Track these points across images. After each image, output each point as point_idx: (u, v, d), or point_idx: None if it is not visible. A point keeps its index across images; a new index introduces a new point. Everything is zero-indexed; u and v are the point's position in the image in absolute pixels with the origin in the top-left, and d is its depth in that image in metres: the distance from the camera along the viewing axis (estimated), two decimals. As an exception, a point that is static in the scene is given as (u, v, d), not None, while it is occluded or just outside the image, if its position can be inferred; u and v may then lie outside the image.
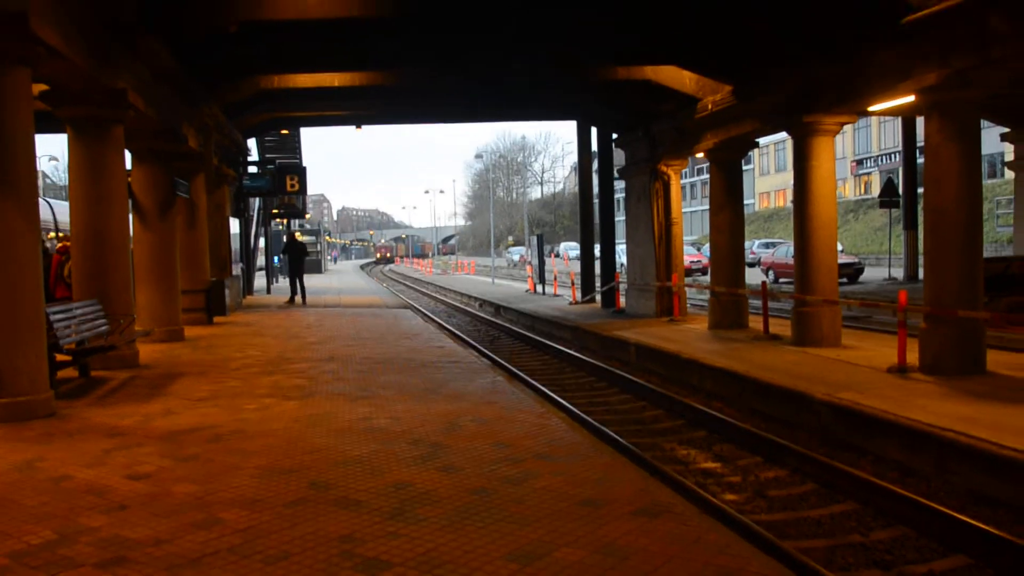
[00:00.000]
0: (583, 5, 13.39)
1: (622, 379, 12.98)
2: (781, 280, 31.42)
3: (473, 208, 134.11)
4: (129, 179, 13.69)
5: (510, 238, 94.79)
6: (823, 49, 12.15)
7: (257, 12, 12.44)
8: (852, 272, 30.02)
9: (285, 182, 25.66)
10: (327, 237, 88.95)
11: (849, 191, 61.85)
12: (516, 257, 71.22)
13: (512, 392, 9.63)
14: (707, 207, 17.73)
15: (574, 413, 10.47)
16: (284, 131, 28.59)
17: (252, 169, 26.32)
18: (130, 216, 13.56)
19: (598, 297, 23.74)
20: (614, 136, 22.13)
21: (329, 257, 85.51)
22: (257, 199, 30.96)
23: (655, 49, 14.69)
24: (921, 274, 12.42)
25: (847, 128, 14.23)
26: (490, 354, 16.07)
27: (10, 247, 8.09)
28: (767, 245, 43.87)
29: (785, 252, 32.13)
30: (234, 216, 26.73)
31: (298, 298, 25.21)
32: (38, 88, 10.07)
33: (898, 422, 7.99)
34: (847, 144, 59.93)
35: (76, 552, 4.54)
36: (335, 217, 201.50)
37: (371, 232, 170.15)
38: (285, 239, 29.93)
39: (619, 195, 44.33)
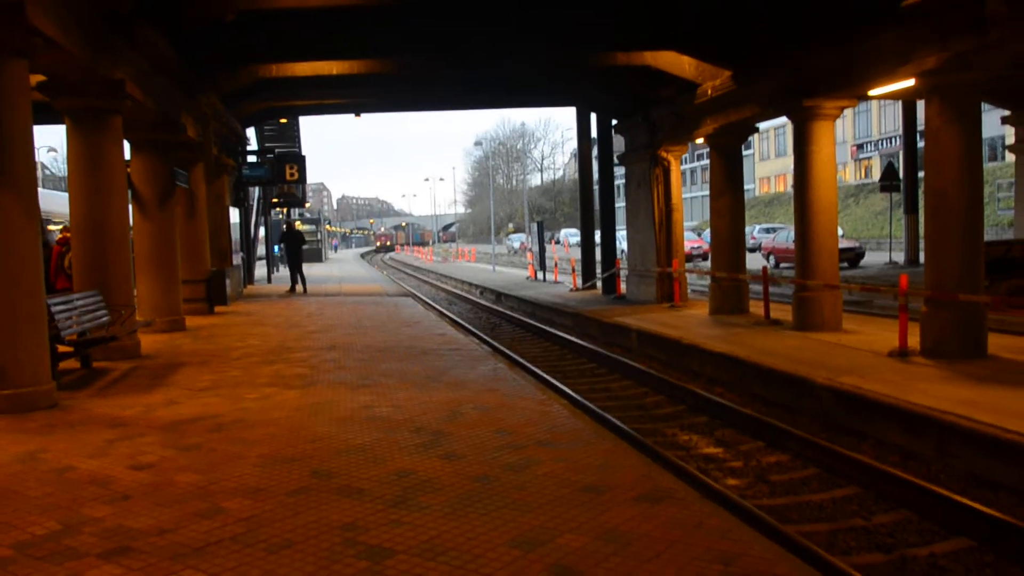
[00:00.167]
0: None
1: (623, 365, 12.99)
2: (782, 265, 31.41)
3: (473, 195, 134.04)
4: (128, 170, 13.67)
5: (510, 225, 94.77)
6: (823, 33, 12.10)
7: (255, 1, 12.40)
8: (853, 256, 30.00)
9: (284, 171, 25.59)
10: (327, 226, 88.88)
11: (849, 175, 61.75)
12: (516, 244, 71.18)
13: (513, 379, 9.64)
14: (707, 192, 17.71)
15: (576, 400, 10.48)
16: (283, 120, 28.52)
17: (251, 158, 26.24)
18: (130, 207, 13.54)
19: (599, 283, 23.74)
20: (614, 122, 22.08)
21: (330, 246, 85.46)
22: (257, 188, 30.92)
23: (655, 34, 14.64)
24: (922, 258, 12.42)
25: (847, 112, 14.20)
26: (491, 341, 16.08)
27: (10, 239, 8.08)
28: (768, 230, 43.82)
29: (786, 237, 32.11)
30: (234, 206, 26.71)
31: (299, 287, 25.23)
32: (35, 79, 10.04)
33: (899, 406, 8.00)
34: (847, 128, 59.81)
35: (80, 542, 4.55)
36: (335, 206, 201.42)
37: (371, 220, 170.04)
38: (284, 228, 29.89)
39: (619, 181, 44.32)
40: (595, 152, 25.50)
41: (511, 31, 14.81)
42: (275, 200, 33.44)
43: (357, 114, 25.93)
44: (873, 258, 32.76)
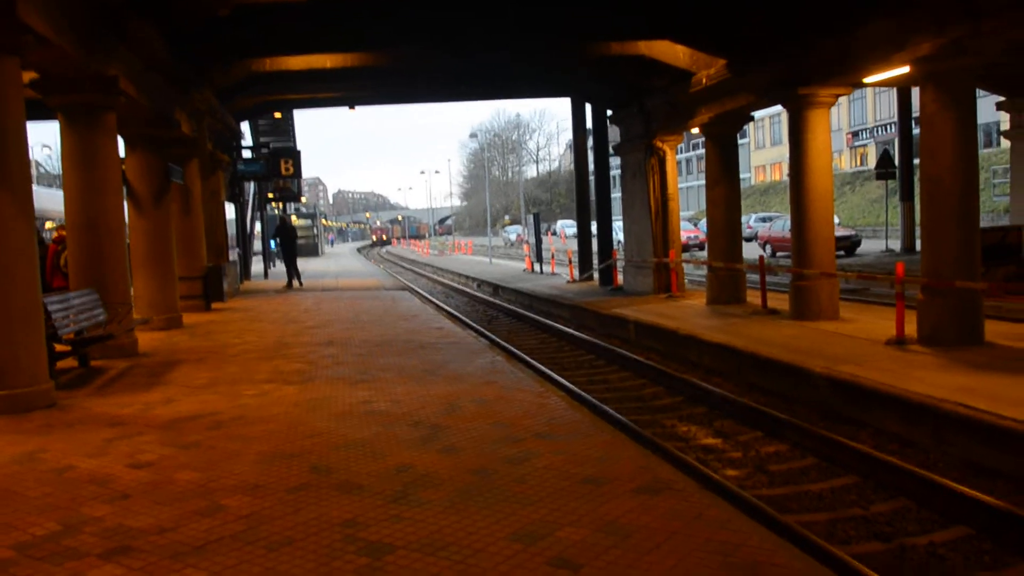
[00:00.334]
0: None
1: (621, 356, 13.00)
2: (779, 254, 31.44)
3: (469, 188, 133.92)
4: (123, 166, 13.62)
5: (507, 217, 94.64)
6: (817, 21, 12.08)
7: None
8: (849, 245, 30.05)
9: (280, 166, 25.56)
10: (323, 220, 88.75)
11: (845, 163, 61.76)
12: (513, 236, 71.14)
13: (511, 372, 9.65)
14: (703, 182, 17.72)
15: (574, 392, 10.49)
16: (277, 114, 28.43)
17: (246, 153, 26.22)
18: (125, 204, 13.51)
19: (596, 275, 23.74)
20: (609, 112, 22.04)
21: (326, 240, 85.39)
22: (252, 183, 30.86)
23: (649, 24, 14.60)
24: (918, 245, 12.42)
25: (842, 100, 14.20)
26: (488, 334, 16.08)
27: (4, 237, 8.06)
28: (764, 219, 43.86)
29: (782, 226, 32.13)
30: (229, 201, 26.64)
31: (296, 282, 25.23)
32: (28, 76, 9.99)
33: (897, 394, 8.02)
34: (842, 116, 59.78)
35: (80, 542, 4.55)
36: (331, 200, 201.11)
37: (367, 214, 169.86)
38: (279, 222, 29.88)
39: (615, 172, 44.22)
40: (591, 143, 25.47)
41: (506, 22, 14.76)
42: (271, 195, 33.42)
43: (351, 107, 25.89)
44: (869, 246, 32.81)
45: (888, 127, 54.10)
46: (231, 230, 27.32)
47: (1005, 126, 25.28)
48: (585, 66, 19.38)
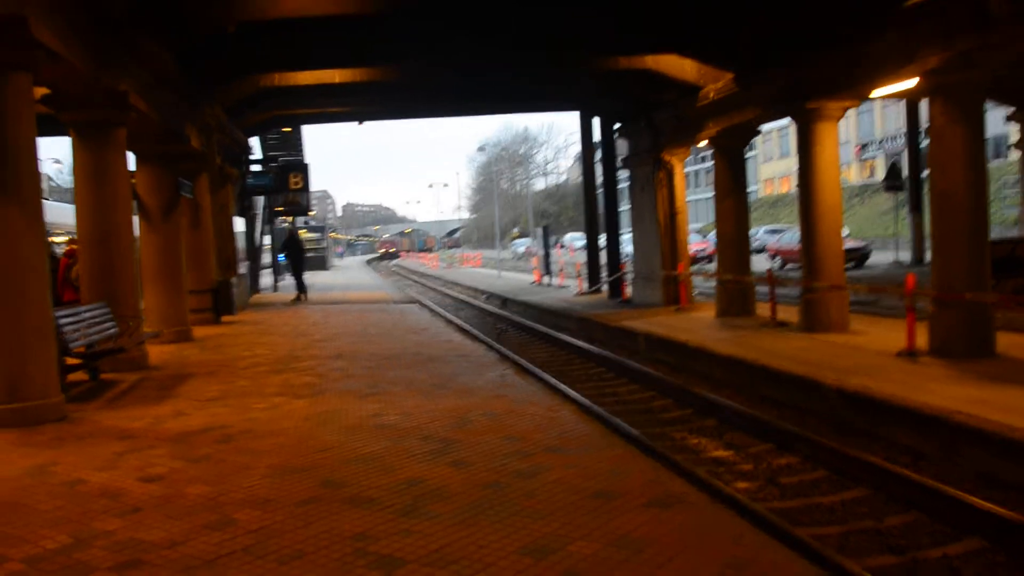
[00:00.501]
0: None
1: (631, 369, 12.97)
2: (788, 266, 31.37)
3: (477, 200, 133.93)
4: (133, 181, 13.70)
5: (515, 230, 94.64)
6: (825, 34, 12.10)
7: (256, 12, 12.45)
8: (859, 257, 29.95)
9: (288, 180, 25.68)
10: (332, 234, 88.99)
11: (853, 175, 61.64)
12: (521, 249, 71.11)
13: (521, 385, 9.63)
14: (711, 194, 17.69)
15: (584, 405, 10.47)
16: (286, 129, 28.58)
17: (255, 168, 26.33)
18: (135, 218, 13.57)
19: (604, 287, 23.73)
20: (617, 126, 22.08)
21: (335, 253, 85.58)
22: (261, 197, 30.98)
23: (656, 38, 14.64)
24: (927, 257, 12.37)
25: (850, 112, 14.17)
26: (498, 347, 16.07)
27: (16, 252, 8.10)
28: (773, 231, 43.75)
29: (791, 238, 32.06)
30: (238, 215, 26.75)
31: (303, 295, 25.27)
32: (40, 92, 10.07)
33: (908, 406, 7.98)
34: (851, 128, 59.70)
35: (92, 556, 4.55)
36: (340, 213, 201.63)
37: (375, 227, 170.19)
38: (287, 236, 29.94)
39: (623, 184, 44.26)
40: (599, 156, 25.49)
41: (513, 37, 14.82)
42: (279, 209, 33.51)
43: (360, 122, 25.99)
44: (879, 258, 32.70)
45: (897, 139, 54.00)
46: (240, 243, 27.42)
47: (1014, 138, 25.24)
48: (593, 80, 19.43)
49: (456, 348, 13.02)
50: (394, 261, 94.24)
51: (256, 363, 11.92)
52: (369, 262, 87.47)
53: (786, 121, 19.13)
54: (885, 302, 17.13)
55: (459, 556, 4.38)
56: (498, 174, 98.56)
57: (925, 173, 19.04)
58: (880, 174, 50.28)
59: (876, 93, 12.28)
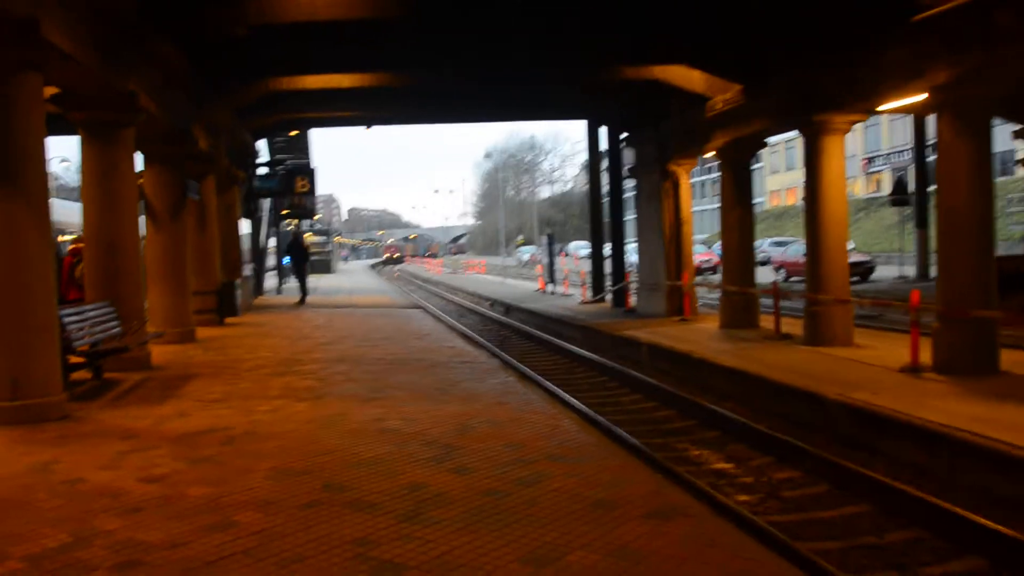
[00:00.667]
0: (591, 10, 13.37)
1: (633, 379, 12.96)
2: (792, 279, 31.33)
3: (483, 207, 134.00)
4: (140, 181, 13.74)
5: (520, 237, 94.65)
6: (833, 48, 12.11)
7: (266, 15, 12.48)
8: (864, 271, 29.90)
9: (295, 183, 25.76)
10: (337, 237, 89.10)
11: (860, 189, 61.61)
12: (526, 256, 71.16)
13: (523, 393, 9.63)
14: (717, 205, 17.75)
15: (586, 414, 10.46)
16: (293, 132, 28.65)
17: (262, 170, 26.39)
18: (142, 218, 13.61)
19: (608, 296, 23.72)
20: (623, 135, 22.11)
21: (339, 257, 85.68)
22: (267, 200, 31.03)
23: (665, 49, 14.68)
24: (933, 272, 12.37)
25: (857, 126, 14.16)
26: (501, 354, 16.07)
27: (23, 250, 8.13)
28: (778, 243, 43.71)
29: (796, 251, 32.04)
30: (244, 217, 26.80)
31: (308, 298, 25.34)
32: (49, 91, 10.11)
33: (912, 422, 7.96)
34: (857, 142, 59.71)
35: (92, 555, 4.56)
36: (345, 217, 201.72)
37: (380, 232, 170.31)
38: (291, 239, 29.93)
39: (629, 194, 44.28)
40: (605, 165, 25.53)
41: (522, 46, 14.86)
42: (285, 212, 33.56)
43: (368, 126, 26.06)
44: (884, 272, 32.65)
45: (903, 153, 54.00)
46: (245, 246, 27.48)
47: (1021, 154, 25.19)
48: (600, 90, 19.46)
49: (459, 354, 13.02)
50: (398, 266, 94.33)
51: (259, 365, 11.93)
52: (373, 266, 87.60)
53: (793, 133, 19.14)
54: (890, 317, 17.10)
55: (460, 563, 4.37)
56: (504, 181, 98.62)
57: (932, 188, 19.02)
58: (886, 188, 50.26)
59: (884, 107, 12.28)
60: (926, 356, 10.42)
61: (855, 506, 7.09)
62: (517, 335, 20.69)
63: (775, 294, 15.20)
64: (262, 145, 28.82)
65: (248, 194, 25.70)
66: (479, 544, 4.64)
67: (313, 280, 26.40)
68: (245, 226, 27.91)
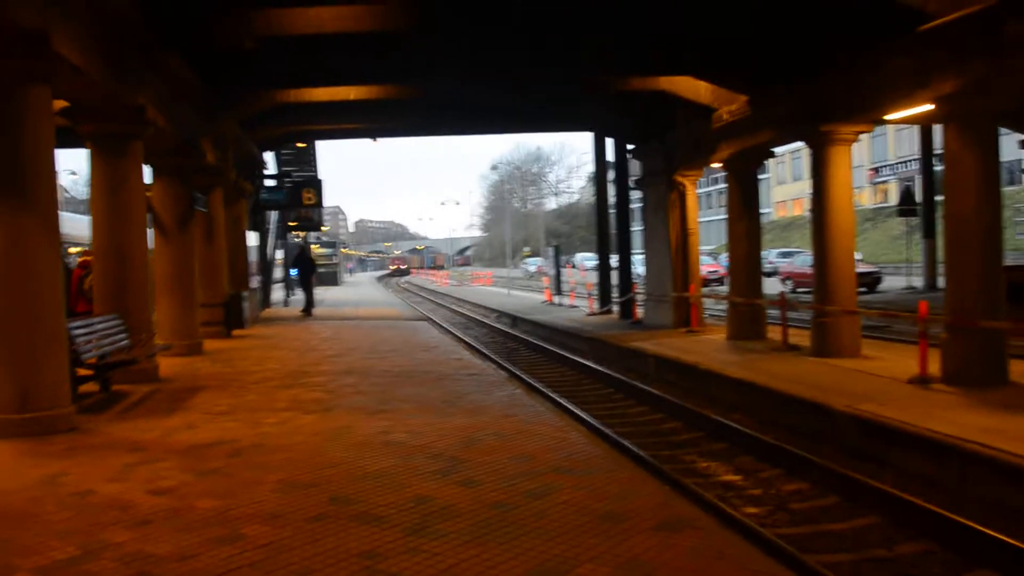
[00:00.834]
0: (597, 21, 13.41)
1: (640, 391, 12.94)
2: (799, 290, 31.26)
3: (489, 219, 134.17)
4: (149, 194, 13.78)
5: (526, 249, 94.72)
6: (839, 59, 12.12)
7: (274, 28, 12.55)
8: (871, 281, 29.82)
9: (302, 195, 25.79)
10: (343, 249, 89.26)
11: (867, 199, 61.53)
12: (532, 268, 71.17)
13: (530, 405, 9.62)
14: (724, 216, 17.69)
15: (593, 426, 10.44)
16: (300, 144, 28.77)
17: (269, 182, 26.47)
18: (150, 231, 13.65)
19: (615, 308, 23.70)
20: (630, 147, 22.12)
21: (345, 269, 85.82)
22: (274, 212, 31.13)
23: (671, 59, 14.70)
24: (940, 283, 12.33)
25: (864, 136, 14.15)
26: (508, 366, 16.05)
27: (32, 262, 8.16)
28: (785, 254, 43.67)
29: (803, 261, 32.00)
30: (251, 229, 26.88)
31: (315, 310, 25.37)
32: (58, 104, 10.17)
33: (920, 433, 7.93)
34: (864, 152, 59.67)
35: (100, 568, 4.56)
36: (352, 229, 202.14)
37: (387, 244, 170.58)
38: (298, 251, 30.00)
39: (635, 205, 44.27)
40: (611, 176, 25.55)
41: (528, 58, 14.90)
42: (292, 224, 33.66)
43: (374, 139, 26.12)
44: (891, 283, 32.56)
45: (910, 163, 53.93)
46: (253, 258, 27.55)
47: (1029, 164, 25.13)
48: (607, 101, 19.50)
49: (466, 366, 13.02)
50: (404, 278, 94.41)
51: (266, 377, 11.95)
52: (380, 279, 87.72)
53: (799, 144, 19.10)
54: (897, 327, 17.06)
55: (467, 576, 4.36)
56: (510, 193, 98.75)
57: (939, 198, 19.00)
58: (893, 198, 50.20)
59: (890, 117, 12.27)
60: (934, 367, 10.38)
61: (864, 518, 7.06)
62: (524, 347, 20.68)
63: (782, 305, 15.17)
64: (269, 157, 28.95)
65: (255, 206, 25.79)
66: (487, 557, 4.63)
67: (320, 292, 26.46)
68: (252, 238, 28.00)
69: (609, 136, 24.02)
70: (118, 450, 7.44)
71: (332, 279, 57.40)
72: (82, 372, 9.75)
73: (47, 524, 5.34)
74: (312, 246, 34.46)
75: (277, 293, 34.16)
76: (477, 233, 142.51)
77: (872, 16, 11.17)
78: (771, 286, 24.57)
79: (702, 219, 30.03)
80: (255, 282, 26.06)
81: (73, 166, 79.21)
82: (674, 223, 18.88)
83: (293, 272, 35.94)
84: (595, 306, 24.80)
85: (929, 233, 29.15)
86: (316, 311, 25.57)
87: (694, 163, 18.24)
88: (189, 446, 7.55)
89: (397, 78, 16.54)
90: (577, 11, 13.25)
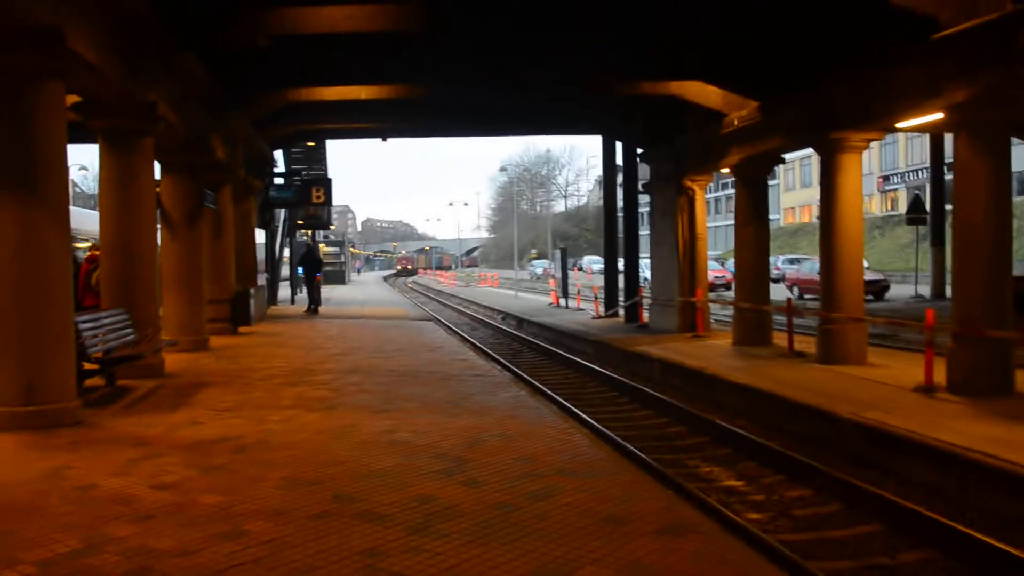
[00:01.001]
0: (608, 26, 13.41)
1: (645, 395, 12.92)
2: (806, 296, 31.21)
3: (497, 221, 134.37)
4: (158, 190, 13.83)
5: (533, 251, 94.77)
6: (850, 66, 12.10)
7: (287, 27, 12.59)
8: (878, 289, 29.76)
9: (311, 193, 25.83)
10: (351, 248, 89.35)
11: (875, 207, 61.39)
12: (539, 270, 71.22)
13: (535, 406, 9.62)
14: (732, 221, 17.70)
15: (597, 428, 10.43)
16: (310, 143, 28.81)
17: (278, 180, 26.53)
18: (158, 226, 13.68)
19: (621, 312, 23.68)
20: (639, 151, 22.12)
21: (353, 268, 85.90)
22: (283, 210, 31.17)
23: (681, 65, 14.70)
24: (948, 292, 12.30)
25: (874, 144, 14.15)
26: (513, 367, 16.05)
27: (42, 257, 8.19)
28: (792, 261, 43.58)
29: (810, 268, 31.93)
30: (260, 227, 26.91)
31: (321, 308, 25.42)
32: (71, 99, 10.20)
33: (925, 442, 7.91)
34: (874, 160, 59.52)
35: (103, 561, 4.57)
36: (359, 228, 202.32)
37: (394, 244, 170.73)
38: (305, 249, 30.05)
39: (643, 209, 44.26)
40: (620, 180, 25.54)
41: (539, 61, 14.91)
42: (300, 222, 33.69)
43: (384, 138, 26.16)
44: (899, 291, 32.49)
45: (919, 172, 53.83)
46: (260, 255, 27.59)
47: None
48: (617, 105, 19.49)
49: (471, 367, 13.03)
50: (411, 278, 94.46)
51: (272, 375, 11.97)
52: (386, 278, 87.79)
53: (809, 151, 19.13)
54: (904, 336, 17.01)
55: (469, 576, 4.37)
56: (518, 195, 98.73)
57: (948, 206, 18.94)
58: (902, 206, 50.07)
59: (901, 126, 12.27)
60: (940, 376, 10.35)
61: (867, 526, 7.04)
62: (529, 349, 20.68)
63: (789, 311, 15.14)
64: (279, 155, 29.00)
65: (264, 204, 25.83)
66: (489, 557, 4.63)
67: (326, 291, 26.53)
68: (260, 236, 28.06)
69: (618, 140, 24.00)
70: (122, 445, 7.46)
71: (339, 278, 57.45)
72: (88, 366, 9.78)
73: (50, 517, 5.36)
74: (320, 244, 34.47)
75: (284, 291, 34.21)
76: (484, 234, 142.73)
77: (884, 24, 11.15)
78: (778, 292, 24.54)
79: (709, 224, 29.96)
80: (262, 280, 26.11)
81: (83, 160, 79.24)
82: (682, 227, 18.86)
83: (300, 270, 36.02)
84: (601, 309, 24.78)
85: (938, 242, 29.08)
86: (322, 309, 25.64)
87: (704, 168, 18.22)
88: (193, 442, 7.57)
89: (408, 78, 16.57)
90: (577, 11, 13.24)
